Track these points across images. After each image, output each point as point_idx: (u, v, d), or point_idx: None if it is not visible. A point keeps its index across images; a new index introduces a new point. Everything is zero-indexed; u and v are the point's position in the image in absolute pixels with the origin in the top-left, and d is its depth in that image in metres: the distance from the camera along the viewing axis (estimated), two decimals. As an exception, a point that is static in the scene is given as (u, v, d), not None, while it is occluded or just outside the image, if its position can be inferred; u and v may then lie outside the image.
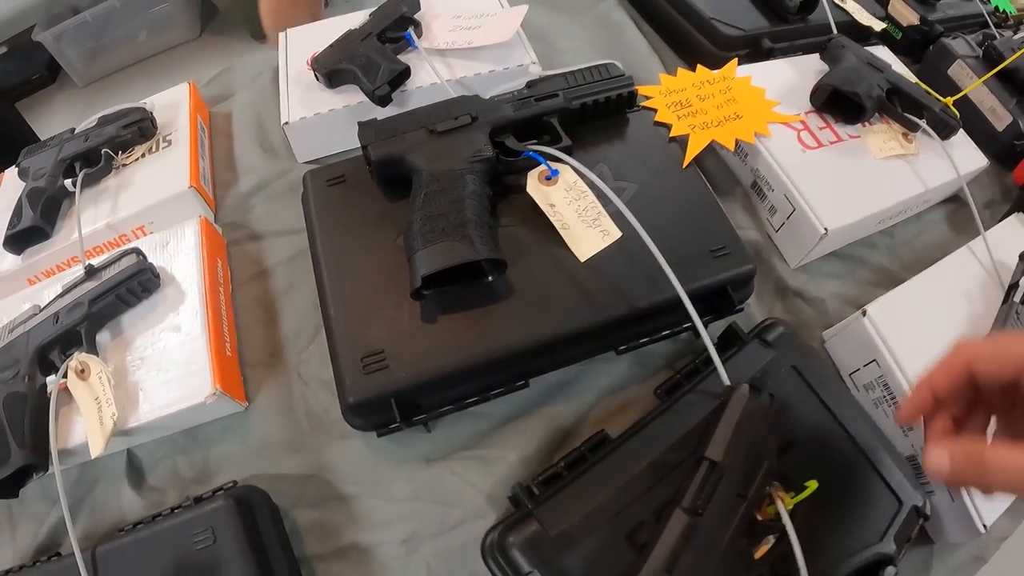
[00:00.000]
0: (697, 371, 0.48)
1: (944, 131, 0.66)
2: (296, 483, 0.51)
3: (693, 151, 0.55)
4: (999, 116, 0.75)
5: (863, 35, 0.75)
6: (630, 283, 0.48)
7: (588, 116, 0.56)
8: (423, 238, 0.46)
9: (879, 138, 0.63)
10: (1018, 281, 0.56)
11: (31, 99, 1.95)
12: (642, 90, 0.59)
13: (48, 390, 0.50)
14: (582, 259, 0.48)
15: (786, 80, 0.66)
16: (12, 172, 0.64)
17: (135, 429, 0.50)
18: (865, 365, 0.54)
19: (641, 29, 0.76)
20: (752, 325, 0.51)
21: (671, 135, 0.57)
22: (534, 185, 0.50)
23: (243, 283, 0.59)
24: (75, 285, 0.54)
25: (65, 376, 0.50)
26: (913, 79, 0.69)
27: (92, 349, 0.52)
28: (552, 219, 0.49)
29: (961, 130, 0.68)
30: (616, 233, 0.49)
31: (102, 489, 0.52)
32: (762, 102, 0.61)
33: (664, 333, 0.51)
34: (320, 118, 0.61)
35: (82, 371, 0.50)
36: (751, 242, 0.61)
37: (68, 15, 1.75)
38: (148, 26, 1.87)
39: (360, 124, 0.54)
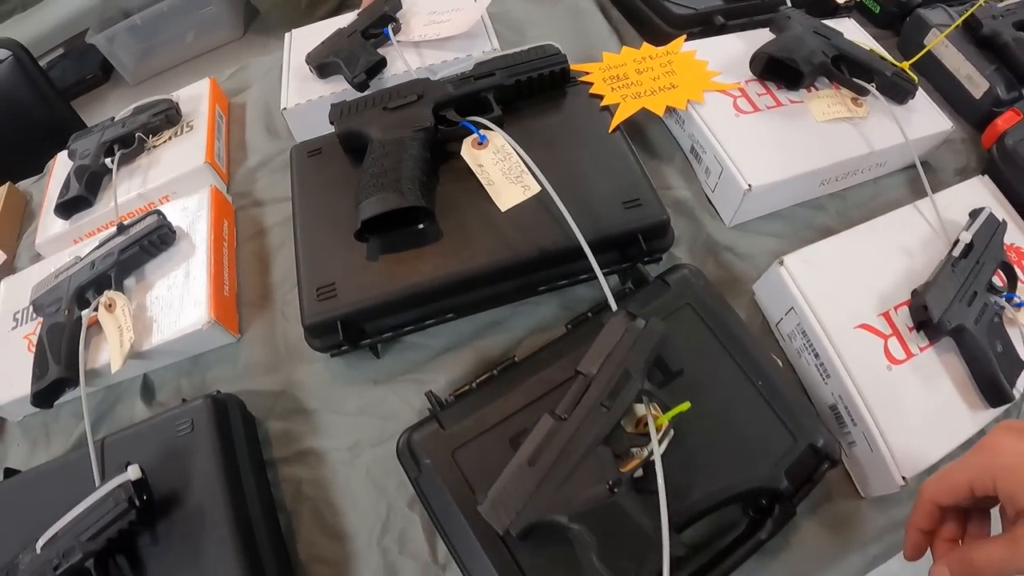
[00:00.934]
0: (604, 308, 0.54)
1: (898, 95, 0.67)
2: (270, 398, 0.61)
3: (620, 117, 0.61)
4: (976, 84, 0.75)
5: (829, 9, 0.77)
6: (544, 231, 0.55)
7: (525, 91, 0.63)
8: (366, 192, 0.55)
9: (823, 103, 0.66)
10: (959, 238, 0.57)
11: (86, 97, 2.11)
12: (579, 67, 0.66)
13: (86, 320, 0.62)
14: (503, 209, 0.55)
15: (733, 52, 0.70)
16: (62, 156, 0.78)
17: (148, 352, 0.61)
18: (785, 314, 0.58)
19: (611, 15, 0.83)
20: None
21: (603, 104, 0.63)
22: (467, 150, 0.58)
23: (246, 240, 0.70)
24: (109, 239, 0.65)
25: (96, 310, 0.62)
26: (870, 47, 0.71)
27: (120, 289, 0.64)
28: (480, 177, 0.57)
29: (926, 96, 0.69)
30: (536, 188, 0.56)
31: (121, 406, 0.64)
32: (702, 73, 0.66)
33: (582, 277, 0.57)
34: (312, 104, 0.71)
35: (110, 305, 0.62)
36: (685, 201, 0.65)
37: (119, 18, 1.90)
38: (195, 27, 2.01)
39: (332, 105, 0.64)
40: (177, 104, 0.77)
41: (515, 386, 0.50)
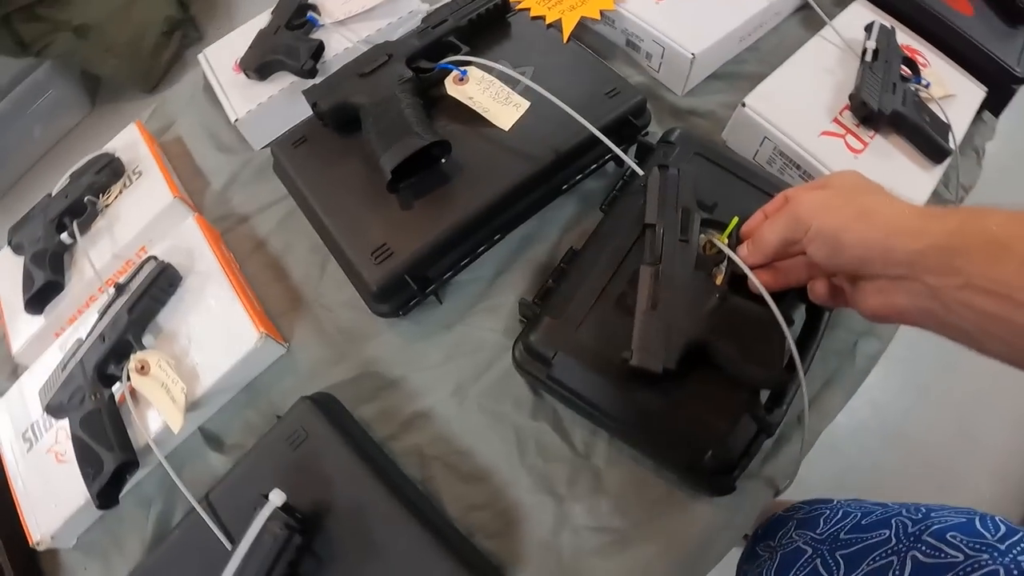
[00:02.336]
0: (627, 184, 0.61)
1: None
2: (350, 386, 0.61)
3: (568, 29, 0.68)
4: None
5: None
6: (551, 136, 0.60)
7: (477, 29, 0.67)
8: (382, 146, 0.57)
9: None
10: (865, 47, 0.70)
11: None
12: (513, -1, 0.71)
13: (117, 397, 0.58)
14: (506, 128, 0.60)
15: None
16: (4, 254, 0.72)
17: (204, 398, 0.59)
18: (760, 145, 0.67)
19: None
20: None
21: (547, 23, 0.69)
22: (452, 88, 0.62)
23: (247, 258, 0.69)
24: (109, 305, 0.61)
25: (128, 380, 0.57)
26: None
27: (143, 349, 0.59)
28: (474, 107, 0.61)
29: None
30: (525, 104, 0.60)
31: (189, 469, 0.60)
32: (618, -23, 0.74)
33: (592, 168, 0.63)
34: (263, 107, 0.71)
35: (142, 368, 0.58)
36: (640, 85, 0.73)
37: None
38: (39, 120, 1.85)
39: (304, 92, 0.64)
40: (116, 155, 0.72)
41: (592, 264, 0.55)
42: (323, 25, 0.73)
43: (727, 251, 0.50)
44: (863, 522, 0.60)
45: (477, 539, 0.54)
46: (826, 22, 0.72)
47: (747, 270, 0.48)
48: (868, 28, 0.71)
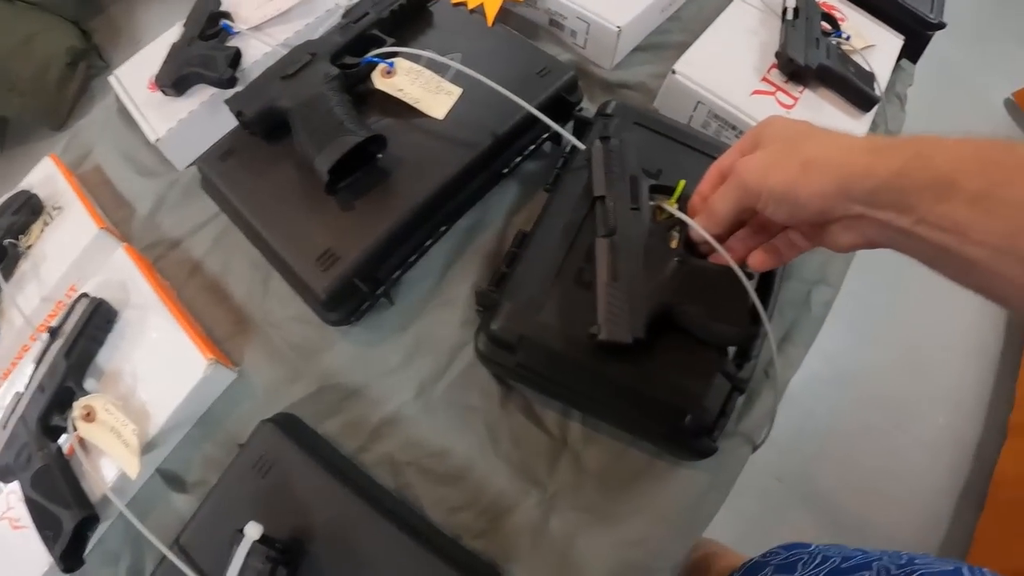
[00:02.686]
0: (568, 161, 0.60)
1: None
2: (311, 403, 0.58)
3: (491, 12, 0.67)
4: None
5: None
6: (486, 120, 0.59)
7: (399, 20, 0.66)
8: (315, 147, 0.54)
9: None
10: (786, 6, 0.71)
11: None
12: (433, -16, 0.70)
13: (65, 449, 0.54)
14: (440, 117, 0.58)
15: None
16: None
17: (158, 437, 0.55)
18: (694, 110, 0.68)
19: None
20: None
21: (470, 8, 0.68)
22: (380, 82, 0.60)
23: (184, 284, 0.65)
24: (44, 352, 0.57)
25: (75, 430, 0.53)
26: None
27: (84, 395, 0.55)
28: (405, 99, 0.59)
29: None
30: (457, 90, 0.59)
31: (154, 515, 0.56)
32: (535, -43, 0.73)
33: (531, 148, 0.62)
34: (184, 123, 0.67)
35: (87, 415, 0.54)
36: (568, 63, 0.72)
37: None
38: None
39: (227, 101, 0.61)
40: (33, 192, 0.68)
41: (545, 244, 0.54)
42: (239, 32, 0.70)
43: (678, 214, 0.50)
44: (843, 566, 0.59)
45: (465, 540, 0.52)
46: (744, -16, 0.74)
47: (701, 230, 0.48)
48: (787, -13, 0.72)
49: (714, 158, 0.55)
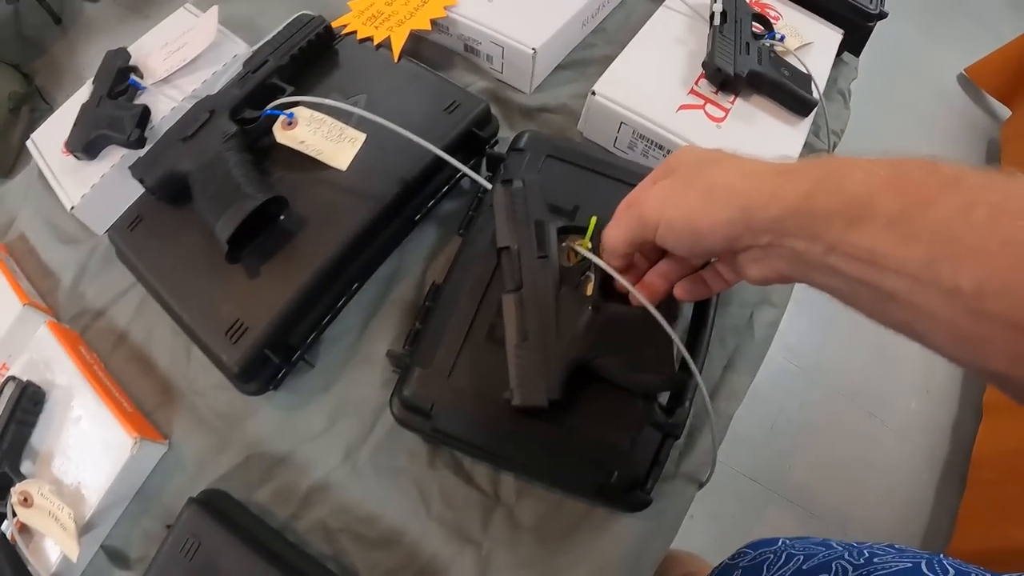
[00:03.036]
0: (481, 201, 0.57)
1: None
2: (240, 472, 0.56)
3: (397, 46, 0.64)
4: None
5: None
6: (393, 166, 0.57)
7: (302, 65, 0.63)
8: (214, 214, 0.52)
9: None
10: (713, 11, 0.67)
11: None
12: (337, 22, 0.66)
13: (8, 536, 0.53)
14: (344, 168, 0.56)
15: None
16: None
17: (96, 516, 0.54)
18: (618, 131, 0.64)
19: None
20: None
21: (376, 44, 0.65)
22: (281, 135, 0.57)
23: (110, 354, 0.63)
24: None
25: (14, 516, 0.53)
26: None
27: (22, 479, 0.54)
28: (307, 152, 0.56)
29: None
30: (361, 136, 0.56)
31: None
32: (445, -21, 0.70)
33: (444, 190, 0.59)
34: (97, 188, 0.65)
35: (25, 500, 0.53)
36: (485, 90, 0.70)
37: None
38: None
39: (130, 167, 0.59)
40: (-49, 269, 0.66)
41: (456, 299, 0.52)
42: (146, 88, 0.68)
43: (589, 255, 0.48)
44: (804, 567, 0.58)
45: (404, 604, 0.51)
46: (669, -8, 0.70)
47: (613, 272, 0.45)
48: (715, -11, 0.68)
49: (630, 184, 0.53)
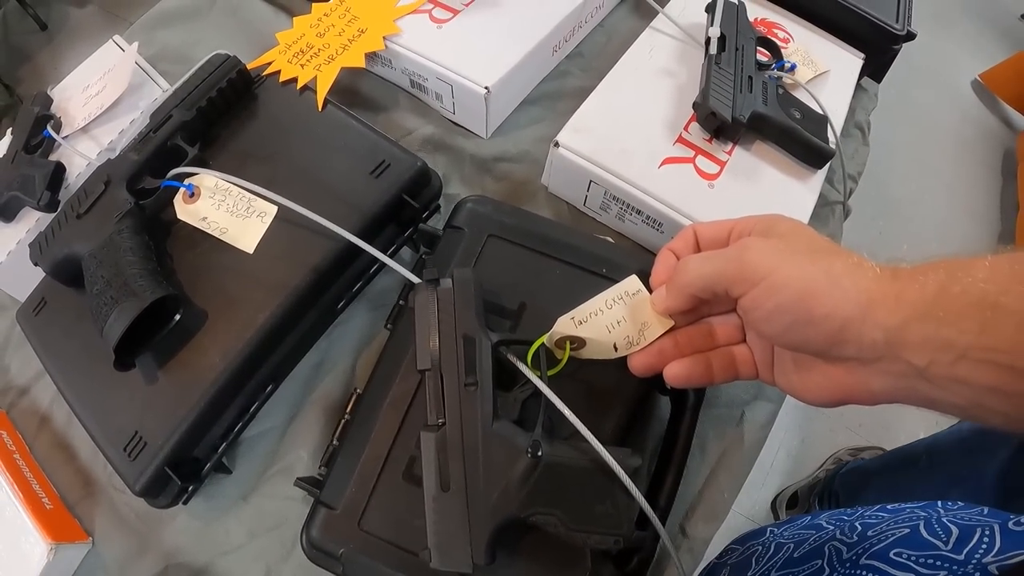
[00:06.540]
0: (411, 288, 0.48)
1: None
2: (158, 582, 0.52)
3: (323, 90, 0.54)
4: None
5: None
6: (307, 246, 0.48)
7: (214, 115, 0.54)
8: (102, 315, 0.45)
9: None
10: (709, 36, 0.55)
11: None
12: (257, 62, 0.57)
13: None
14: (251, 250, 0.48)
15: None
16: None
17: None
18: (588, 190, 0.54)
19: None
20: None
21: (300, 86, 0.55)
22: (182, 210, 0.50)
23: (35, 438, 0.59)
24: None
25: None
26: None
27: None
28: (210, 231, 0.49)
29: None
30: (272, 209, 0.48)
31: None
32: (385, 5, 0.59)
33: (372, 271, 0.51)
34: (13, 255, 0.59)
35: None
36: (432, 137, 0.60)
37: None
38: None
39: (29, 246, 0.53)
40: None
41: (375, 418, 0.44)
42: (62, 141, 0.61)
43: (537, 382, 0.39)
44: (795, 555, 0.53)
45: None
46: (657, 10, 0.57)
47: (572, 417, 0.37)
48: (710, 8, 0.55)
49: (603, 275, 0.44)
